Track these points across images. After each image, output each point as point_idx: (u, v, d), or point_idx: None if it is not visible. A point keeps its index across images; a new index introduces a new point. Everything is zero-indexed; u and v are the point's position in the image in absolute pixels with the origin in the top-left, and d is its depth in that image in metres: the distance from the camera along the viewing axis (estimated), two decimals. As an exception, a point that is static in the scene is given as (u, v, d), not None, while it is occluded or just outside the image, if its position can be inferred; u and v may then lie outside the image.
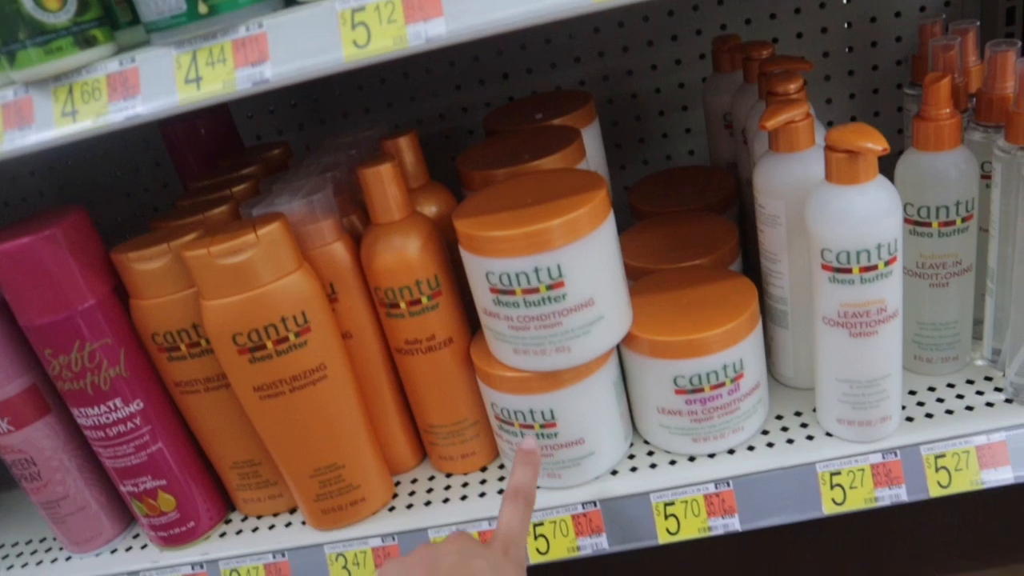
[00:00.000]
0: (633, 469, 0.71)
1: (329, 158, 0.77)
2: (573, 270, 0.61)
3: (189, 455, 0.77)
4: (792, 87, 0.69)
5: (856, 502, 0.67)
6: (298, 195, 0.68)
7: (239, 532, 0.78)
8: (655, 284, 0.72)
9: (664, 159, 1.12)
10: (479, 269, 0.63)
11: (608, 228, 0.63)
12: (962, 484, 0.66)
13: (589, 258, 0.62)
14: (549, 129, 0.79)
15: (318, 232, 0.68)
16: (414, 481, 0.78)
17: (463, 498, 0.74)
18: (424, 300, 0.68)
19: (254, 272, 0.64)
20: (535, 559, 0.70)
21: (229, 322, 0.65)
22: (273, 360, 0.66)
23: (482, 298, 0.65)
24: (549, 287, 0.61)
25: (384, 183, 0.66)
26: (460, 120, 1.09)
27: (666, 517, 0.68)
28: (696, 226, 0.80)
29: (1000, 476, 0.66)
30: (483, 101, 1.08)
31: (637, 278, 0.75)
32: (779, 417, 0.72)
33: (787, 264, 0.68)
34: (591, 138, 0.82)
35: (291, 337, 0.66)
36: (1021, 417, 0.66)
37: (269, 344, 0.65)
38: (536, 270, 0.61)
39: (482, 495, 0.73)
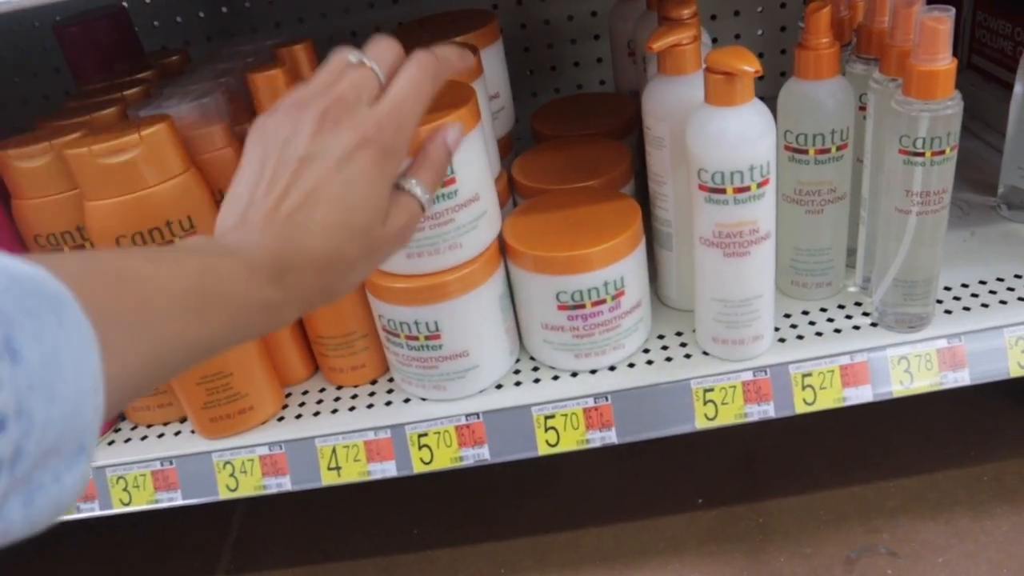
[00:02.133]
0: (517, 384, 0.72)
1: (225, 65, 0.76)
2: (462, 166, 0.64)
3: (76, 362, 0.76)
4: (685, 12, 0.70)
5: (727, 417, 0.70)
6: (187, 99, 0.67)
7: (127, 440, 0.78)
8: (545, 203, 0.73)
9: (575, 88, 1.13)
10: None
11: (482, 128, 0.66)
12: (826, 402, 0.70)
13: (473, 154, 0.64)
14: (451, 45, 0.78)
15: (208, 137, 0.68)
16: (305, 392, 0.79)
17: (351, 409, 0.75)
18: (313, 210, 0.68)
19: (137, 173, 0.63)
20: (419, 469, 0.72)
21: (112, 224, 0.64)
22: (158, 265, 0.66)
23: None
24: (443, 183, 0.63)
25: (273, 89, 0.66)
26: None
27: (546, 430, 0.70)
28: (592, 150, 0.81)
29: (861, 394, 0.70)
30: (396, 20, 1.07)
31: (530, 197, 0.76)
32: (661, 337, 0.75)
33: (671, 187, 0.70)
34: (492, 58, 0.82)
35: (177, 242, 0.65)
36: (883, 339, 0.70)
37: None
38: None
39: (370, 407, 0.75)
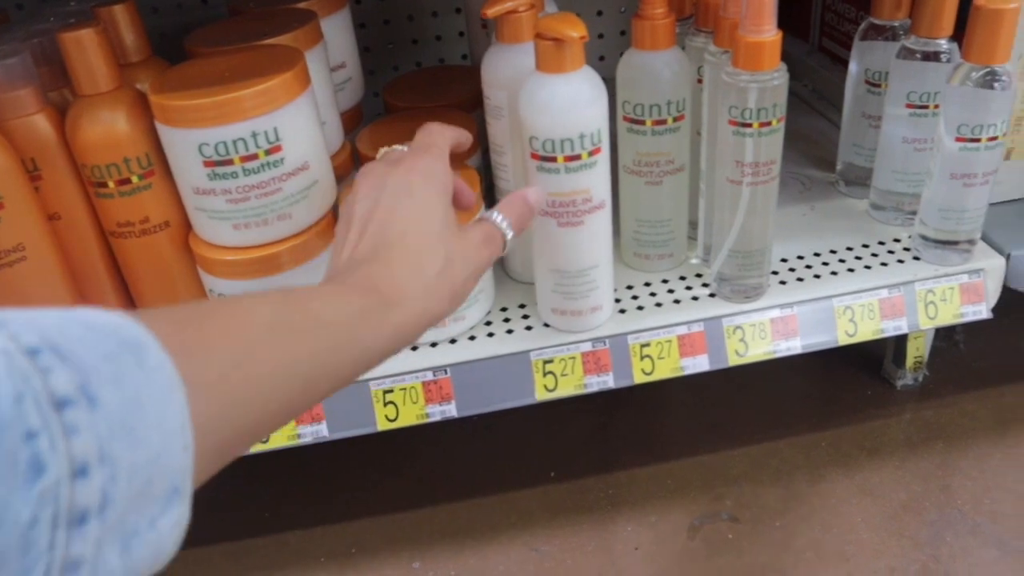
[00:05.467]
0: (357, 358, 0.71)
1: (43, 26, 0.71)
2: (288, 133, 0.62)
3: None
4: (522, -20, 0.69)
5: (567, 388, 0.70)
6: (-9, 59, 0.63)
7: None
8: (386, 174, 0.71)
9: (437, 61, 1.11)
10: (189, 143, 0.60)
11: (311, 95, 0.64)
12: (664, 371, 0.71)
13: (301, 121, 0.62)
14: (289, 12, 0.76)
15: (15, 101, 0.63)
16: (138, 373, 0.75)
17: (185, 388, 0.72)
18: (135, 179, 0.65)
19: (-70, 138, 0.58)
20: (258, 448, 0.70)
21: (-95, 193, 0.59)
22: (-40, 237, 0.61)
23: (192, 176, 0.62)
24: (267, 152, 0.61)
25: (86, 50, 0.62)
26: (220, 8, 1.04)
27: (385, 404, 0.69)
28: (437, 121, 0.79)
29: (698, 364, 0.71)
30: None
31: (372, 169, 0.74)
32: (504, 309, 0.74)
33: (511, 157, 0.69)
34: (336, 27, 0.79)
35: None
36: (719, 309, 0.71)
37: (-47, 219, 0.61)
38: (254, 135, 0.60)
39: (206, 385, 0.72)
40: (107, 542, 0.25)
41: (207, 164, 0.61)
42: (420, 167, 0.49)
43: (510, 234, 0.51)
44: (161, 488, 0.27)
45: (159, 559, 0.28)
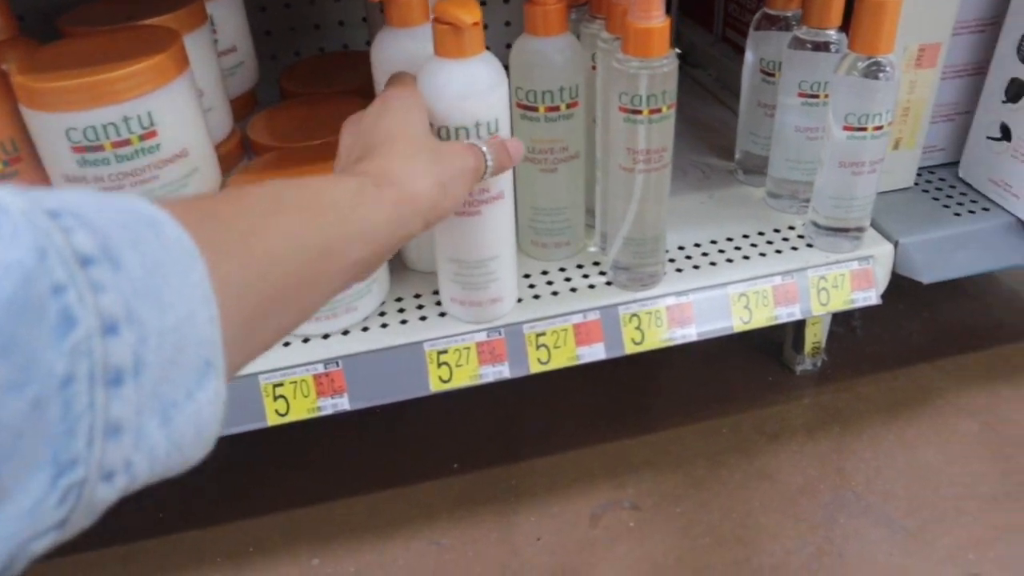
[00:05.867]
0: (246, 351, 0.68)
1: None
2: (164, 118, 0.59)
3: None
4: (419, -37, 0.68)
5: (462, 379, 0.69)
6: None
7: None
8: (275, 161, 0.69)
9: (340, 47, 1.09)
10: (57, 128, 0.58)
11: (189, 78, 0.62)
12: (560, 360, 0.70)
13: (178, 105, 0.60)
14: (174, -8, 0.73)
15: None
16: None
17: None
18: (0, 166, 0.62)
19: None
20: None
21: None
22: None
23: (62, 163, 0.59)
24: (141, 137, 0.59)
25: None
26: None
27: (275, 399, 0.67)
28: (334, 108, 0.77)
29: (594, 352, 0.71)
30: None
31: (263, 155, 0.72)
32: (399, 299, 0.73)
33: (403, 144, 0.68)
34: (226, 9, 0.77)
35: None
36: (615, 297, 0.71)
37: None
38: (126, 119, 0.58)
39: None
40: (147, 410, 0.25)
41: (76, 150, 0.58)
42: (391, 95, 0.53)
43: (491, 159, 0.54)
44: (193, 359, 0.27)
45: (202, 437, 0.28)
